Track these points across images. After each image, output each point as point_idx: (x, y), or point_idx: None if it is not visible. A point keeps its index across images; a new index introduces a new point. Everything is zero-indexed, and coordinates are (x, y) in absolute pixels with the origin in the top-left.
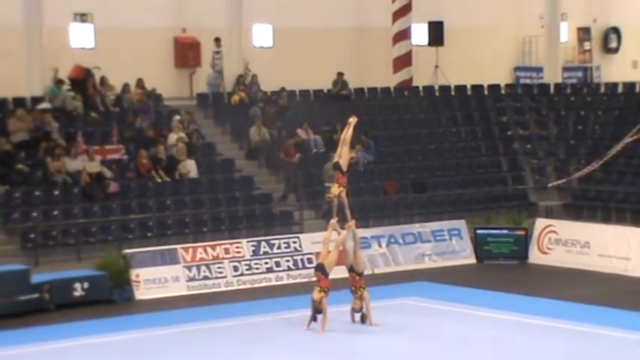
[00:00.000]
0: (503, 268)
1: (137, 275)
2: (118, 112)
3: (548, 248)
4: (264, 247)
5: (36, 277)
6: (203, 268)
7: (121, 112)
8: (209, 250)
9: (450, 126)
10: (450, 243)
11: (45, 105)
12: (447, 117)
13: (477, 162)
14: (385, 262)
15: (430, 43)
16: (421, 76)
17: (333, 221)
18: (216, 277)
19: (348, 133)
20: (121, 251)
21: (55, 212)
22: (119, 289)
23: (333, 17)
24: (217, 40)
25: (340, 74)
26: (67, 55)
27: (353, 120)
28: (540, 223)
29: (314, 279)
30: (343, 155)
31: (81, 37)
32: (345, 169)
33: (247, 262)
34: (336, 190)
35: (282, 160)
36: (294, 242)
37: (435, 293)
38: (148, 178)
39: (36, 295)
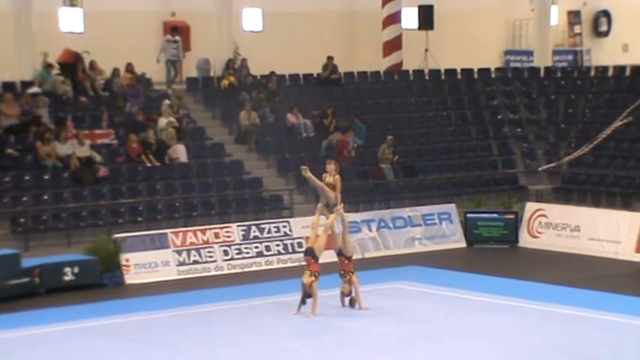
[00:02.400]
0: (494, 252)
1: (127, 260)
2: (107, 97)
3: (539, 232)
4: (254, 232)
5: (26, 262)
6: (193, 252)
7: (111, 97)
8: (199, 234)
9: (440, 110)
10: (440, 227)
11: (35, 89)
12: (437, 101)
13: (467, 146)
14: (375, 246)
15: (420, 27)
16: (411, 59)
17: (321, 205)
18: (207, 262)
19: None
20: (111, 236)
21: (45, 197)
22: (109, 273)
23: (322, 1)
24: (174, 29)
25: (330, 58)
26: (57, 40)
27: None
28: (530, 206)
29: (304, 263)
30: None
31: (70, 21)
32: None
33: (237, 247)
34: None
35: (342, 157)
36: (284, 226)
37: (425, 277)
38: (138, 162)
39: (26, 280)
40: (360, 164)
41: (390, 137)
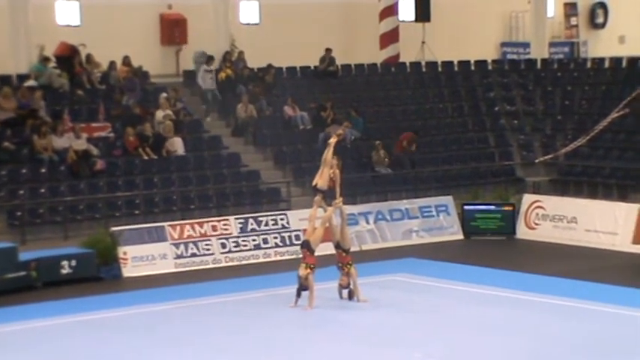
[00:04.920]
0: (491, 244)
1: (124, 253)
2: (104, 90)
3: (536, 224)
4: (252, 224)
5: (23, 255)
6: (191, 245)
7: (108, 90)
8: (196, 227)
9: (436, 102)
10: (437, 219)
11: (31, 82)
12: (434, 93)
13: (464, 138)
14: (373, 239)
15: (417, 19)
16: (408, 52)
17: (318, 198)
18: (204, 255)
19: (328, 154)
20: (108, 229)
21: (42, 190)
22: (107, 266)
23: None
24: (210, 58)
25: (328, 50)
26: (53, 33)
27: (333, 140)
28: (527, 198)
29: (300, 256)
30: (323, 176)
31: (66, 14)
32: (325, 189)
33: (235, 240)
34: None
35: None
36: (282, 219)
37: (422, 269)
38: (135, 155)
39: (23, 273)
40: (357, 157)
41: (377, 142)
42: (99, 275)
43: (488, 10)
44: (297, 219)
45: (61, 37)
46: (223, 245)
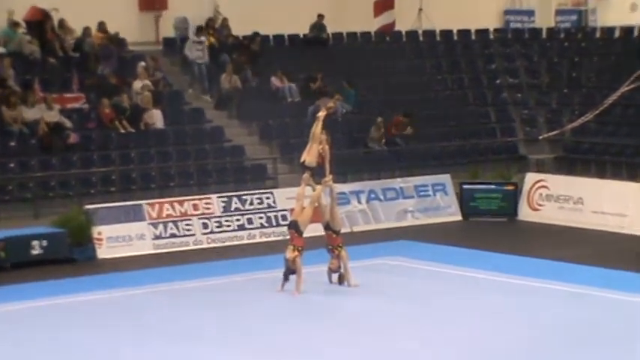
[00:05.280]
0: (491, 226)
1: (99, 233)
2: (78, 58)
3: (539, 204)
4: (236, 203)
5: None
6: (170, 225)
7: (82, 58)
8: (176, 206)
9: (434, 74)
10: (434, 199)
11: None
12: (432, 64)
13: (464, 112)
14: (365, 220)
15: None
16: (404, 19)
17: (307, 176)
18: (184, 235)
19: (317, 129)
20: (81, 207)
21: (11, 165)
22: (80, 247)
23: None
24: (199, 28)
25: (320, 17)
26: None
27: (323, 113)
28: (531, 177)
29: (287, 237)
30: (312, 152)
31: None
32: (313, 165)
33: (217, 219)
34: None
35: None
36: (268, 198)
37: (417, 252)
38: (111, 128)
39: None
40: (349, 132)
41: (380, 119)
42: (71, 256)
43: None
44: (284, 198)
45: (31, 1)
46: (205, 225)
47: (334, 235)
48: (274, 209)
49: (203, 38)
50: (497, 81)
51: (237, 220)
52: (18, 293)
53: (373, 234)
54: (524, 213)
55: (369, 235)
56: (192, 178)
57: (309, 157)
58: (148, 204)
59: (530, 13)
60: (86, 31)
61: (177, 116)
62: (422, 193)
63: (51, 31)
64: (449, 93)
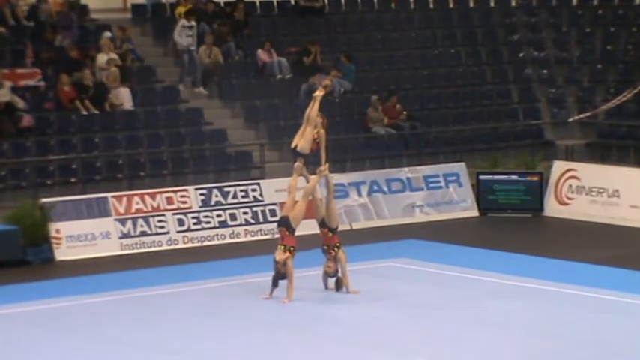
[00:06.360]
0: (512, 223)
1: (57, 231)
2: (32, 27)
3: (568, 198)
4: (216, 197)
5: None
6: (140, 221)
7: (37, 27)
8: (147, 199)
9: (447, 46)
10: (446, 191)
11: None
12: (444, 35)
13: (481, 91)
14: (366, 216)
15: None
16: None
17: (299, 164)
18: (157, 234)
19: (312, 110)
20: (37, 201)
21: None
22: (35, 247)
23: None
24: (189, 12)
25: None
26: None
27: (319, 92)
28: (558, 166)
29: (277, 236)
30: (305, 137)
31: None
32: (307, 152)
33: (195, 215)
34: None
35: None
36: (254, 190)
37: (427, 253)
38: (72, 109)
39: None
40: (348, 114)
41: (375, 97)
42: (25, 258)
43: None
44: (273, 190)
45: None
46: (181, 222)
47: (330, 234)
48: (261, 203)
49: (193, 22)
50: (520, 55)
51: (218, 215)
52: None
53: (376, 232)
54: (551, 208)
55: (370, 234)
56: (165, 167)
57: (302, 142)
58: (115, 197)
59: None
60: None
61: (148, 95)
62: (432, 185)
63: None
64: (463, 69)
